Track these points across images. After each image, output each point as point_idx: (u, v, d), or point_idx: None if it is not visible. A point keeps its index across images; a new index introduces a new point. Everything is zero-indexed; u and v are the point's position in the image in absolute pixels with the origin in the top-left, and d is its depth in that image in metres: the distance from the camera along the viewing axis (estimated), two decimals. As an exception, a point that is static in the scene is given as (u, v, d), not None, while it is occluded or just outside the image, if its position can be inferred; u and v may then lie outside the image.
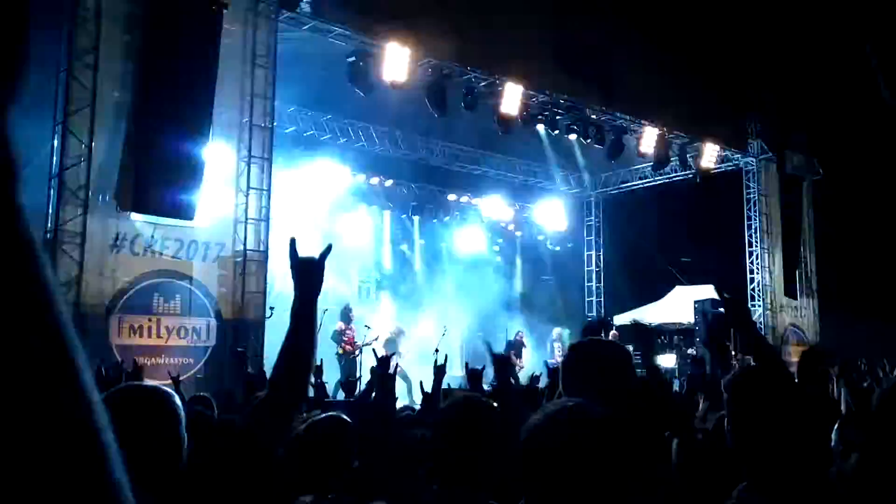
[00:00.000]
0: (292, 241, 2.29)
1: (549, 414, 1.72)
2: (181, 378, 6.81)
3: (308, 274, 2.30)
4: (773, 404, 2.37)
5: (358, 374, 12.44)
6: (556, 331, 17.15)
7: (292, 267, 2.31)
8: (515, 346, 16.11)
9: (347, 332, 13.70)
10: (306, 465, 2.86)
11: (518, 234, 19.98)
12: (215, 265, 10.35)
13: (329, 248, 2.33)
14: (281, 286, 13.68)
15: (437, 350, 13.90)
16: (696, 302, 17.01)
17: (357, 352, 13.41)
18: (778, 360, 3.21)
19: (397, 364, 4.54)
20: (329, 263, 2.29)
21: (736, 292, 3.43)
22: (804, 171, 18.92)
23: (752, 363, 3.54)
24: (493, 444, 2.50)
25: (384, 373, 3.72)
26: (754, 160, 18.32)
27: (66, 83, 9.34)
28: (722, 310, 3.41)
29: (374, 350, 5.93)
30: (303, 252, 2.33)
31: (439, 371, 4.33)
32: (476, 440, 2.50)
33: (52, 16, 9.83)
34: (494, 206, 19.11)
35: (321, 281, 2.31)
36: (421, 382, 4.75)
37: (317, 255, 2.32)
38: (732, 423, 2.41)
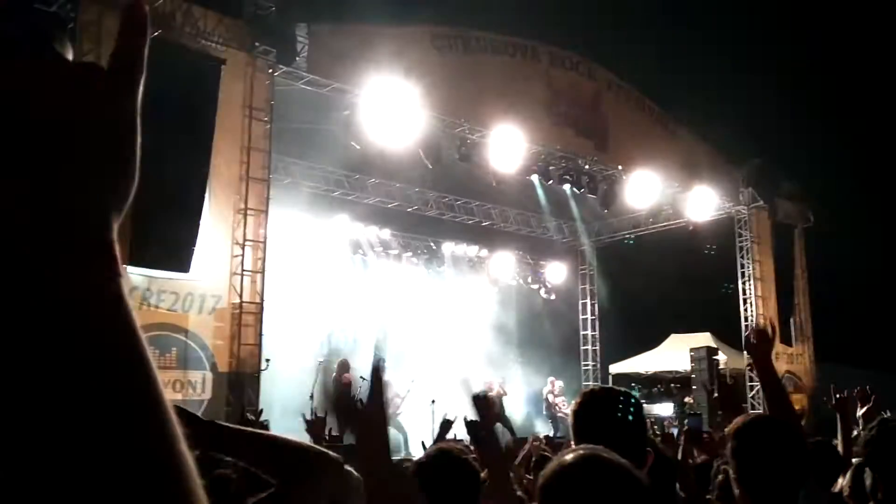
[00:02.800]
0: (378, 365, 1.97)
1: (566, 461, 1.71)
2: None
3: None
4: (779, 453, 2.37)
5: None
6: (552, 381, 17.12)
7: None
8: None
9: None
10: None
11: (512, 282, 20.01)
12: (211, 318, 10.32)
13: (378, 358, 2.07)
14: (275, 338, 13.62)
15: (433, 401, 13.86)
16: (691, 350, 16.99)
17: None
18: (788, 405, 3.21)
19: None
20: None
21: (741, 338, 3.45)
22: (795, 218, 19.08)
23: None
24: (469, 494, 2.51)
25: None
26: (745, 209, 18.46)
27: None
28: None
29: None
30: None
31: (445, 425, 4.29)
32: (451, 489, 2.51)
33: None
34: (488, 255, 19.21)
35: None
36: (423, 442, 4.70)
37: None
38: (739, 472, 2.41)
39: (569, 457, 1.69)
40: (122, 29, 0.59)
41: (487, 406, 3.90)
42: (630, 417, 2.32)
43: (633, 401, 2.39)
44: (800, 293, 19.04)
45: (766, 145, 19.20)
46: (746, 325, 18.09)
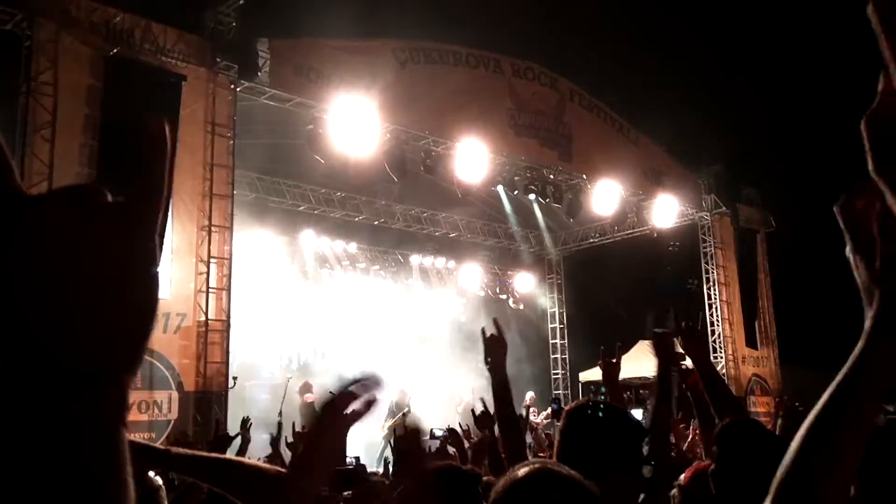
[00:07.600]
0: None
1: (517, 475, 1.69)
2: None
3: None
4: (761, 455, 2.36)
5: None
6: (531, 395, 17.03)
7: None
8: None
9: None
10: None
11: (481, 293, 20.02)
12: (177, 336, 10.19)
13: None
14: (242, 357, 13.45)
15: (405, 413, 13.81)
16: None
17: None
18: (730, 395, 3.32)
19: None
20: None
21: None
22: (757, 223, 19.36)
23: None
24: None
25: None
26: (708, 215, 18.69)
27: (21, 157, 9.25)
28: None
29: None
30: None
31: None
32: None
33: (9, 89, 9.79)
34: (456, 266, 19.22)
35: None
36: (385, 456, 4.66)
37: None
38: (718, 471, 2.41)
39: (521, 471, 1.68)
40: (143, 154, 0.57)
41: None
42: (620, 439, 2.25)
43: (628, 421, 2.35)
44: (764, 297, 19.31)
45: (726, 152, 19.45)
46: (712, 331, 18.27)
